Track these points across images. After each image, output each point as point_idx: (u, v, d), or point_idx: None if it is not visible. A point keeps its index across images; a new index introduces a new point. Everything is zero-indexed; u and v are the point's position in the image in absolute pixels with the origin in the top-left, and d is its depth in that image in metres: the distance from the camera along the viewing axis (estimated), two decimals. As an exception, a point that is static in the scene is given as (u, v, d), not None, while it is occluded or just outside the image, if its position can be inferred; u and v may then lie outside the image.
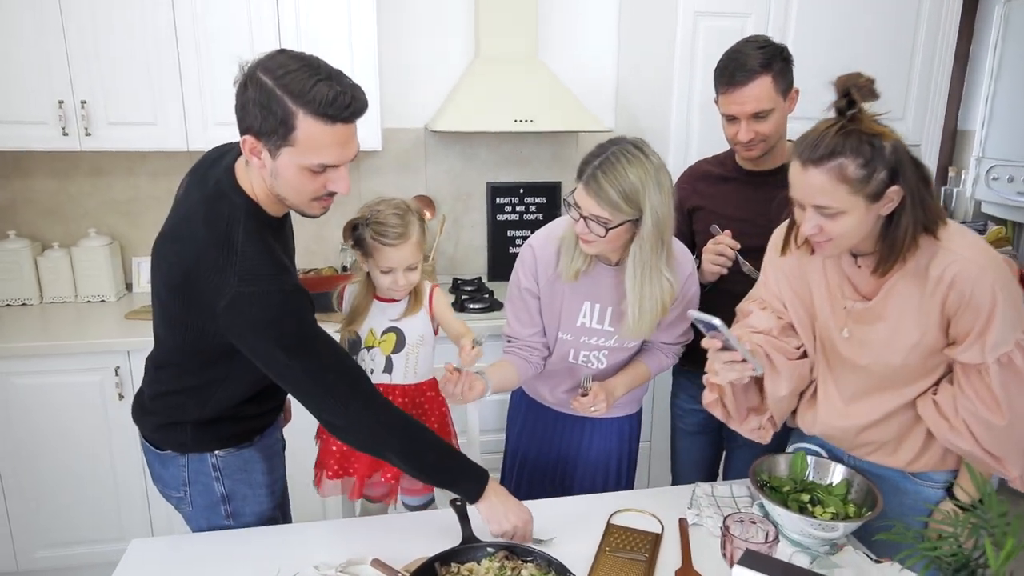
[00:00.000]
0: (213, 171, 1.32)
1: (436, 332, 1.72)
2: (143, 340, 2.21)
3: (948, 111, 3.10)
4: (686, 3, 2.32)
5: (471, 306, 2.56)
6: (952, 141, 3.39)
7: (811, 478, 1.49)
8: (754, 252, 1.73)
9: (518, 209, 2.99)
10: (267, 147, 1.17)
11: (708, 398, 1.51)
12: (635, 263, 1.50)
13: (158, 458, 1.44)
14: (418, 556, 1.30)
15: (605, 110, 2.94)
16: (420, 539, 1.37)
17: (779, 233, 1.48)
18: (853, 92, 1.18)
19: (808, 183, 1.21)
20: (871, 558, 1.34)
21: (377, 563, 1.23)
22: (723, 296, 1.80)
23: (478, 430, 1.95)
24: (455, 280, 2.88)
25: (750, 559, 0.99)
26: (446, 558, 1.28)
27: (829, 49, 2.41)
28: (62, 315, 2.47)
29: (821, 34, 2.41)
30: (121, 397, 2.27)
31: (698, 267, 1.79)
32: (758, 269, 1.73)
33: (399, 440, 1.32)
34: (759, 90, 1.63)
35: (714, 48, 2.35)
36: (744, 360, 1.32)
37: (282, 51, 1.18)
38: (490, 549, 1.31)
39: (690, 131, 2.44)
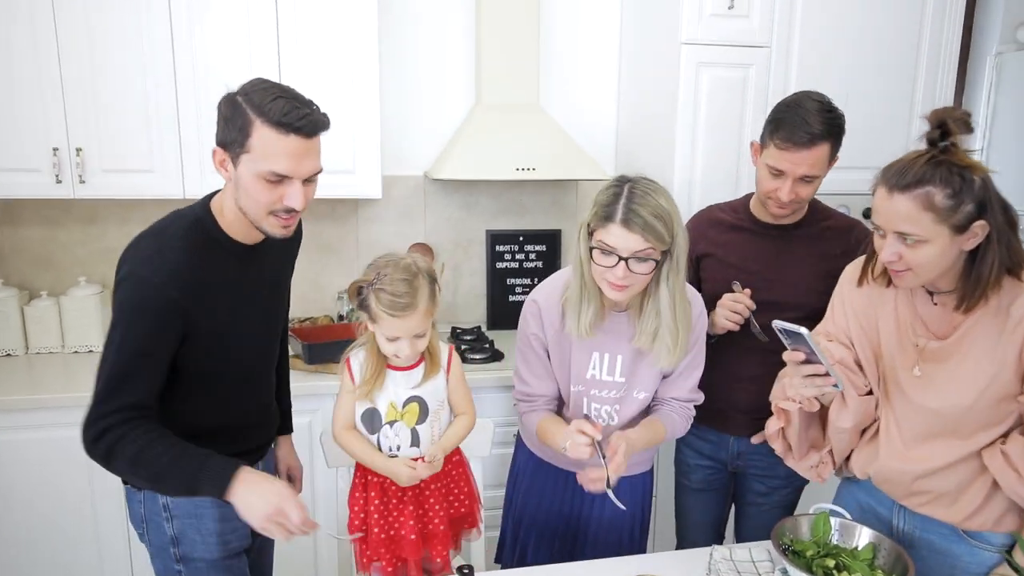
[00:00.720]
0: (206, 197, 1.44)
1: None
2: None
3: (945, 160, 3.13)
4: (688, 53, 2.33)
5: (472, 356, 2.49)
6: (948, 189, 3.42)
7: (835, 541, 1.43)
8: (762, 305, 1.70)
9: (518, 257, 2.95)
10: (230, 156, 1.27)
11: (771, 428, 1.49)
12: (669, 291, 1.47)
13: (125, 491, 1.47)
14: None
15: (605, 158, 2.94)
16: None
17: (854, 266, 1.47)
18: (949, 123, 1.19)
19: (893, 209, 1.20)
20: (904, 631, 1.26)
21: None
22: (729, 349, 1.76)
23: (481, 486, 1.87)
24: (454, 329, 2.82)
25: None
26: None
27: (832, 97, 2.42)
28: (48, 366, 2.38)
29: (822, 88, 2.42)
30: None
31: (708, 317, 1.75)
32: (764, 329, 1.70)
33: (128, 471, 1.31)
34: (816, 156, 1.60)
35: (717, 98, 2.38)
36: (827, 375, 1.29)
37: (261, 78, 1.30)
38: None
39: (693, 180, 2.42)
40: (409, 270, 1.44)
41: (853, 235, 1.76)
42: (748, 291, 1.70)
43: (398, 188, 2.80)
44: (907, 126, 2.52)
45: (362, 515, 1.56)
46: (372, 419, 1.53)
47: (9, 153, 2.20)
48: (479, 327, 2.86)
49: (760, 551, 1.54)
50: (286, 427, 1.75)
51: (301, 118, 1.23)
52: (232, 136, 1.25)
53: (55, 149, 2.21)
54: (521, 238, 2.93)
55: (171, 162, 2.29)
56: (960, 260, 1.24)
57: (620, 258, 1.39)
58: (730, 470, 1.91)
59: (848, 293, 1.47)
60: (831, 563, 1.36)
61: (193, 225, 1.34)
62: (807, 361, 1.30)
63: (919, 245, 1.20)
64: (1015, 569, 1.28)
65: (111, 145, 2.25)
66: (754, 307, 1.69)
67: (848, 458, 1.51)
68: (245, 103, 1.24)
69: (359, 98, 2.38)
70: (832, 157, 1.66)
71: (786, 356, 1.32)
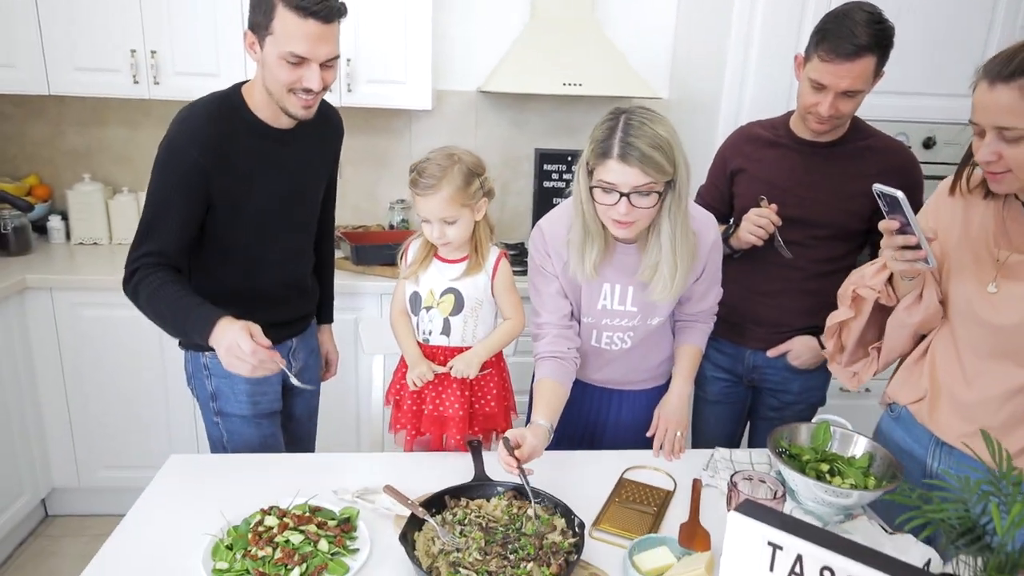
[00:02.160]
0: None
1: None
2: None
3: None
4: (747, -30, 2.25)
5: (513, 268, 2.57)
6: (1032, 127, 3.20)
7: (833, 449, 1.47)
8: (790, 222, 1.70)
9: (565, 176, 2.98)
10: (258, 39, 1.40)
11: (835, 319, 1.45)
12: (671, 223, 1.44)
13: (188, 358, 1.66)
14: (432, 490, 1.35)
15: (659, 78, 2.89)
16: (436, 475, 1.41)
17: (948, 179, 1.37)
18: None
19: (994, 101, 1.11)
20: (886, 530, 1.31)
21: (389, 489, 1.28)
22: (752, 262, 1.78)
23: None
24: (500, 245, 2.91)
25: (747, 507, 0.99)
26: (457, 492, 1.33)
27: (897, 15, 2.29)
28: (128, 255, 2.63)
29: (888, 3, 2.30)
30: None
31: (733, 232, 1.76)
32: (787, 245, 1.70)
33: (145, 308, 1.45)
34: (861, 69, 1.55)
35: (771, 21, 2.30)
36: (918, 247, 1.21)
37: None
38: (500, 488, 1.34)
39: (741, 104, 2.37)
40: (450, 158, 1.53)
41: (893, 158, 1.73)
42: (774, 206, 1.70)
43: (450, 102, 2.86)
44: (982, 48, 2.36)
45: (397, 386, 1.72)
46: (415, 302, 1.66)
47: (93, 54, 2.38)
48: (523, 243, 2.94)
49: (760, 455, 1.61)
50: (327, 316, 1.91)
51: (318, 3, 1.34)
52: (259, 19, 1.37)
53: (132, 51, 2.37)
54: (569, 158, 2.96)
55: (236, 66, 2.42)
56: None
57: (621, 194, 1.36)
58: (746, 384, 1.95)
59: (938, 201, 1.38)
60: (825, 467, 1.41)
61: (219, 100, 1.49)
62: (901, 232, 1.22)
63: (1021, 141, 1.10)
64: None
65: (183, 48, 2.40)
66: (779, 223, 1.69)
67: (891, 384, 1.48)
68: None
69: (413, 9, 2.42)
70: (877, 72, 1.60)
71: (881, 225, 1.24)
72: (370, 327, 1.91)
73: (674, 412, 1.63)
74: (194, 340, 1.40)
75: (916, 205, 1.73)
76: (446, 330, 1.65)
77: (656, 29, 2.88)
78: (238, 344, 1.31)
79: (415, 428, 1.67)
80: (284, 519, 1.22)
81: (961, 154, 1.86)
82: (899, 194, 1.16)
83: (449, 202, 1.53)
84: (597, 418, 1.80)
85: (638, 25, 2.86)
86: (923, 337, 1.41)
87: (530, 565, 1.13)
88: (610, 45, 2.62)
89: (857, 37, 1.53)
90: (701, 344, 1.70)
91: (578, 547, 1.18)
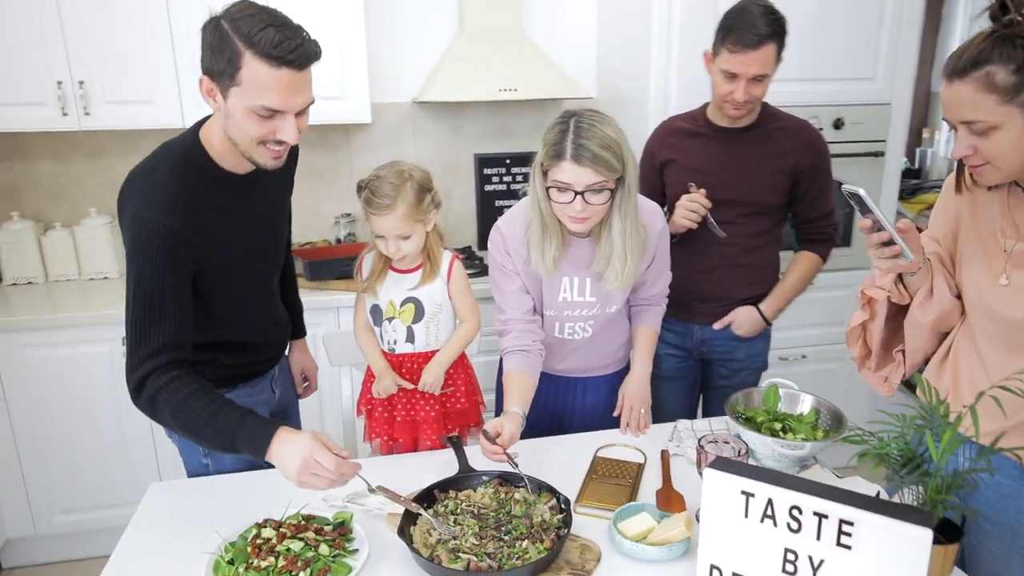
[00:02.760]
0: (195, 125, 1.42)
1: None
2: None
3: (920, 73, 3.20)
4: (662, -28, 2.40)
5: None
6: (926, 103, 3.50)
7: (783, 409, 1.60)
8: (719, 203, 1.85)
9: (505, 179, 3.08)
10: (219, 87, 1.23)
11: (854, 322, 1.43)
12: (621, 218, 1.53)
13: None
14: (418, 488, 1.40)
15: (587, 78, 3.02)
16: (421, 473, 1.46)
17: (952, 175, 1.35)
18: None
19: (954, 98, 1.11)
20: (837, 475, 1.45)
21: (381, 489, 1.33)
22: (690, 245, 1.91)
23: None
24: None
25: (720, 463, 1.09)
26: (444, 486, 1.39)
27: (803, 10, 2.49)
28: (67, 292, 2.56)
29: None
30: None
31: (668, 219, 1.88)
32: (721, 225, 1.84)
33: (169, 420, 1.31)
34: (765, 56, 1.72)
35: (688, 17, 2.45)
36: (892, 243, 1.20)
37: (246, 1, 1.24)
38: (485, 478, 1.41)
39: (668, 96, 2.52)
40: (401, 175, 1.59)
41: (802, 135, 1.90)
42: (703, 191, 1.84)
43: (387, 115, 2.90)
44: (876, 34, 2.59)
45: (368, 396, 1.76)
46: (376, 314, 1.70)
47: (17, 88, 2.32)
48: (470, 247, 3.01)
49: (719, 423, 1.73)
50: (300, 331, 1.86)
51: (293, 50, 1.18)
52: (220, 67, 1.20)
53: (59, 83, 2.32)
54: (508, 160, 3.05)
55: (170, 92, 2.40)
56: None
57: (575, 193, 1.44)
58: (696, 357, 2.09)
59: (946, 200, 1.36)
60: (778, 426, 1.54)
61: (183, 158, 1.33)
62: (877, 229, 1.22)
63: (991, 133, 1.10)
64: None
65: (113, 76, 2.37)
66: (710, 205, 1.83)
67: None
68: (233, 32, 1.18)
69: (346, 24, 2.47)
70: (778, 58, 1.76)
71: (859, 225, 1.25)
72: (333, 340, 1.94)
73: (637, 391, 1.73)
74: (239, 453, 1.28)
75: (823, 173, 1.92)
76: (410, 338, 1.71)
77: (579, 32, 3.00)
78: (317, 461, 1.21)
79: (388, 435, 1.72)
80: (281, 529, 1.25)
81: (870, 132, 2.02)
82: (860, 191, 1.17)
83: (404, 219, 1.59)
84: (564, 406, 1.88)
85: (562, 30, 2.98)
86: (947, 337, 1.38)
87: (525, 543, 1.20)
88: (538, 50, 2.72)
89: (758, 28, 1.70)
90: (656, 325, 1.81)
91: (567, 522, 1.26)
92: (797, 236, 2.04)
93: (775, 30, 1.71)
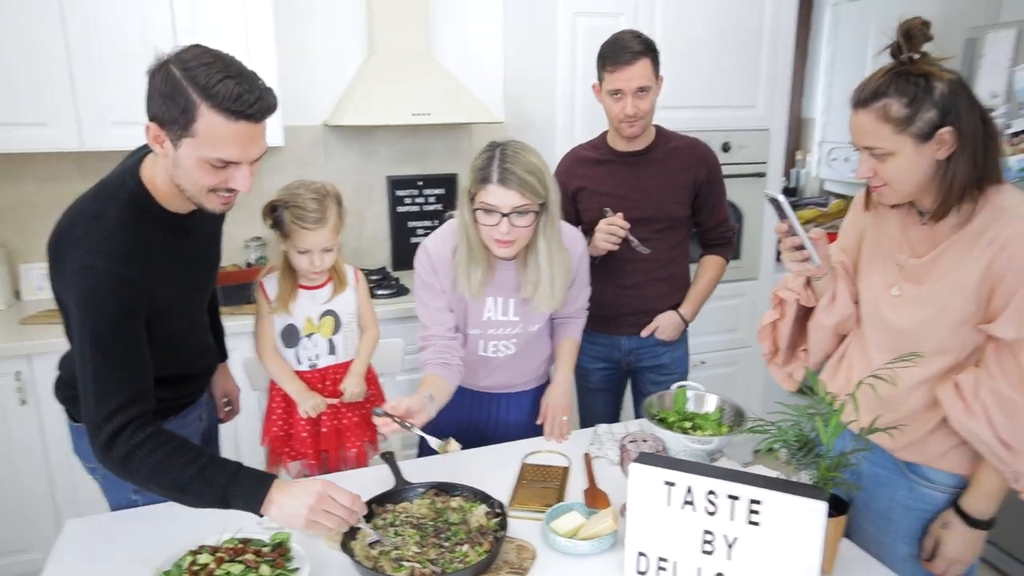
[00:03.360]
0: (126, 162, 1.37)
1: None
2: (44, 343, 2.18)
3: (793, 101, 3.54)
4: (565, 4, 2.55)
5: (379, 292, 2.68)
6: (798, 127, 3.86)
7: (691, 408, 1.75)
8: (634, 223, 1.98)
9: (417, 201, 3.13)
10: (169, 136, 1.19)
11: (765, 320, 1.56)
12: (546, 242, 1.62)
13: (75, 430, 1.49)
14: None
15: (495, 103, 3.14)
16: (357, 489, 1.47)
17: (863, 193, 1.46)
18: (913, 32, 1.18)
19: (858, 125, 1.24)
20: (741, 466, 1.59)
21: (320, 506, 1.34)
22: (613, 263, 2.04)
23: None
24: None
25: (644, 458, 1.19)
26: (382, 499, 1.42)
27: (690, 45, 2.72)
28: (-52, 325, 2.38)
29: (682, 32, 2.71)
30: (23, 403, 2.23)
31: (589, 243, 2.00)
32: (642, 242, 1.98)
33: (146, 480, 1.26)
34: (642, 69, 1.90)
35: (592, 44, 2.60)
36: (803, 248, 1.32)
37: (198, 46, 1.20)
38: (420, 489, 1.45)
39: (574, 120, 2.67)
40: (320, 191, 1.69)
41: (695, 150, 2.08)
42: (620, 213, 1.97)
43: (299, 138, 2.89)
44: (755, 67, 2.86)
45: (280, 422, 1.79)
46: (291, 334, 1.72)
47: None
48: (384, 268, 3.04)
49: (633, 425, 1.85)
50: (223, 354, 1.84)
51: (252, 104, 1.16)
52: (172, 116, 1.16)
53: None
54: (420, 183, 3.11)
55: (66, 115, 2.30)
56: (940, 172, 1.22)
57: (502, 215, 1.51)
58: (624, 368, 2.21)
59: (855, 215, 1.48)
60: (688, 424, 1.68)
61: (129, 204, 1.29)
62: (791, 234, 1.33)
63: (887, 158, 1.21)
64: (962, 515, 1.29)
65: (3, 97, 2.24)
66: (628, 226, 1.96)
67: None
68: (187, 81, 1.14)
69: (256, 46, 2.46)
70: (656, 73, 1.95)
71: (775, 228, 1.38)
72: (252, 365, 1.92)
73: (558, 399, 1.82)
74: (231, 508, 1.25)
75: (718, 183, 2.11)
76: (332, 350, 1.77)
77: (486, 58, 3.12)
78: (332, 498, 1.24)
79: (314, 449, 1.74)
80: (218, 554, 1.25)
81: (753, 155, 2.20)
82: (780, 197, 1.29)
83: (331, 232, 1.69)
84: (488, 420, 1.94)
85: (469, 55, 3.08)
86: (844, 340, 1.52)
87: (465, 547, 1.26)
88: (449, 75, 2.80)
89: (629, 47, 1.90)
90: (578, 337, 1.91)
91: (503, 525, 1.33)
92: (701, 242, 2.21)
93: (647, 47, 1.91)
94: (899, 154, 1.20)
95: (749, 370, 3.15)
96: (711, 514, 1.13)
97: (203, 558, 1.24)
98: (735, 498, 1.11)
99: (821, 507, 1.05)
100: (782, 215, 1.32)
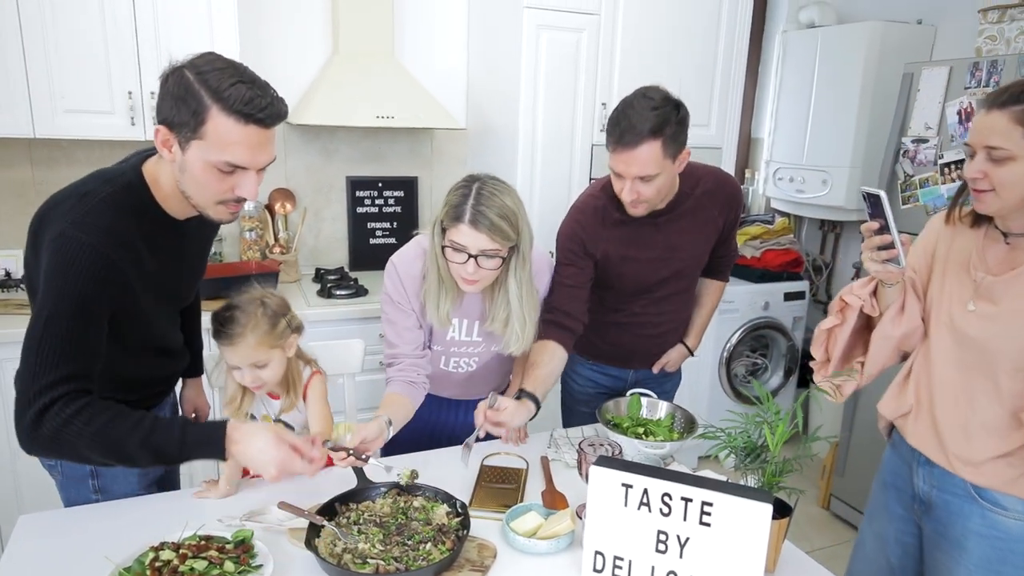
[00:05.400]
0: (130, 158, 1.35)
1: None
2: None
3: (743, 121, 3.70)
4: (529, 16, 2.61)
5: (338, 292, 2.68)
6: (747, 147, 4.02)
7: (644, 415, 1.82)
8: (662, 282, 1.89)
9: (377, 202, 3.14)
10: (178, 139, 1.19)
11: (824, 325, 1.49)
12: (517, 283, 1.62)
13: None
14: (318, 503, 1.44)
15: (457, 109, 3.18)
16: (318, 490, 1.50)
17: (941, 213, 1.47)
18: None
19: (986, 124, 1.23)
20: (691, 471, 1.67)
21: (284, 505, 1.36)
22: (634, 317, 1.96)
23: (356, 408, 2.08)
24: (318, 270, 2.98)
25: (602, 461, 1.25)
26: (344, 499, 1.44)
27: (650, 63, 2.82)
28: None
29: (641, 51, 2.81)
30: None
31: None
32: (669, 298, 1.90)
33: (87, 450, 1.20)
34: (647, 155, 1.60)
35: (554, 57, 2.68)
36: (892, 246, 1.28)
37: (211, 53, 1.21)
38: (383, 488, 1.48)
39: (536, 130, 2.73)
40: (253, 303, 1.53)
41: (725, 190, 1.88)
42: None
43: (258, 134, 2.86)
44: (709, 88, 2.98)
45: None
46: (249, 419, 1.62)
47: None
48: (342, 267, 3.03)
49: (589, 430, 1.92)
50: (197, 369, 1.79)
51: (263, 108, 1.16)
52: (183, 118, 1.16)
53: None
54: (380, 184, 3.12)
55: (19, 100, 2.23)
56: None
57: (469, 255, 1.51)
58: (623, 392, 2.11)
59: (929, 234, 1.47)
60: (641, 430, 1.76)
61: (125, 190, 1.27)
62: (880, 232, 1.30)
63: (1006, 162, 1.21)
64: None
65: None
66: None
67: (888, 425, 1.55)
68: (200, 84, 1.14)
69: (219, 41, 2.43)
70: (667, 153, 1.62)
71: (864, 226, 1.31)
72: (211, 362, 1.90)
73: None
74: (191, 460, 1.22)
75: (735, 219, 1.94)
76: None
77: (449, 63, 3.16)
78: (299, 447, 1.24)
79: None
80: (181, 551, 1.25)
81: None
82: (881, 193, 1.23)
83: (257, 348, 1.51)
84: (444, 423, 1.97)
85: (433, 61, 3.12)
86: (908, 357, 1.49)
87: (428, 545, 1.29)
88: (412, 79, 2.83)
89: (635, 127, 1.58)
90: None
91: (464, 524, 1.37)
92: (705, 268, 2.02)
93: (654, 127, 1.58)
94: (1020, 160, 1.21)
95: (693, 381, 3.27)
96: (665, 515, 1.19)
97: (165, 554, 1.24)
98: (688, 500, 1.17)
99: (767, 509, 1.13)
100: (875, 212, 1.28)
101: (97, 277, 1.19)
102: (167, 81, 1.18)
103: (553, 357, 1.75)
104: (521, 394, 1.66)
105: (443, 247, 1.57)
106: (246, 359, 1.52)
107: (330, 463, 1.65)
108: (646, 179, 1.64)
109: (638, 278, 1.90)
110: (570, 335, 1.81)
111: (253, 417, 1.64)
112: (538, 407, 1.66)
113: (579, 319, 1.82)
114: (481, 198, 1.51)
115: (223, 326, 1.51)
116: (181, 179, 1.24)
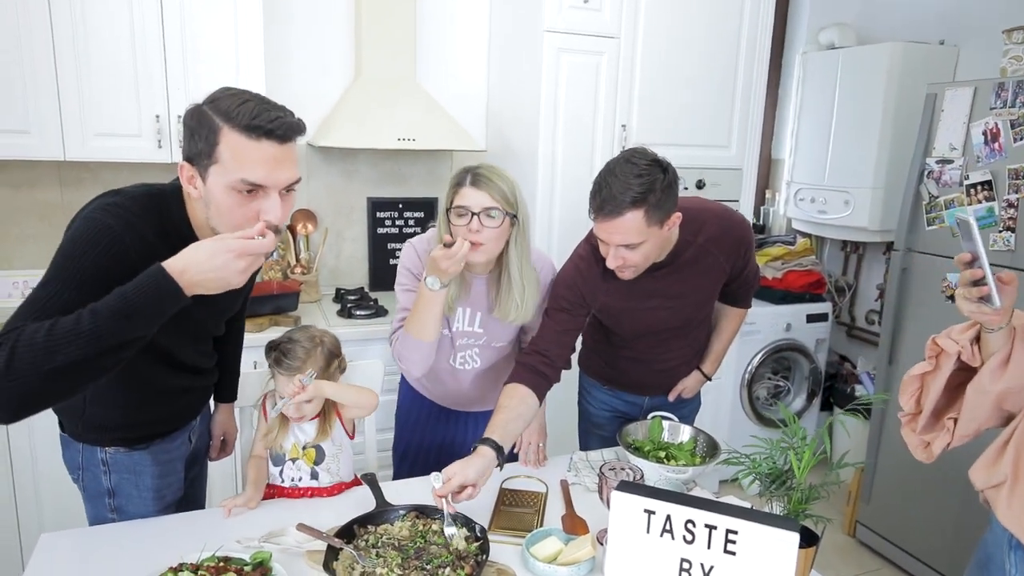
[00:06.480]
0: (176, 181, 1.31)
1: (352, 435, 1.73)
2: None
3: (764, 142, 3.68)
4: (550, 40, 2.63)
5: (358, 312, 2.69)
6: (768, 167, 4.00)
7: (666, 439, 1.80)
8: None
9: (397, 223, 3.16)
10: (198, 170, 1.18)
11: (918, 370, 1.34)
12: (517, 254, 1.71)
13: (62, 437, 1.49)
14: (336, 525, 1.43)
15: (477, 131, 3.20)
16: (337, 512, 1.50)
17: None
18: None
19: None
20: (714, 496, 1.65)
21: (302, 527, 1.35)
22: (652, 350, 1.94)
23: (375, 429, 2.07)
24: (338, 290, 2.99)
25: (624, 486, 1.23)
26: (363, 521, 1.43)
27: (670, 86, 2.83)
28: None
29: (662, 73, 2.82)
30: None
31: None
32: (675, 341, 1.88)
33: (45, 364, 1.03)
34: (628, 225, 1.54)
35: (574, 80, 2.70)
36: (983, 282, 1.13)
37: (227, 87, 1.21)
38: (401, 511, 1.47)
39: (556, 152, 2.74)
40: (313, 340, 1.63)
41: (731, 234, 1.79)
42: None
43: (281, 156, 2.90)
44: (729, 110, 2.98)
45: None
46: (277, 455, 1.66)
47: None
48: (362, 288, 3.05)
49: (609, 453, 1.89)
50: (231, 395, 1.79)
51: (272, 120, 1.14)
52: (199, 147, 1.15)
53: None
54: (400, 205, 3.14)
55: (50, 124, 2.28)
56: None
57: (473, 214, 1.60)
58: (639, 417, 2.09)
59: None
60: (662, 454, 1.73)
61: (159, 197, 1.27)
62: (972, 265, 1.16)
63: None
64: None
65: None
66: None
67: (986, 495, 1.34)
68: (212, 111, 1.15)
69: (245, 69, 2.48)
70: (652, 221, 1.54)
71: (956, 259, 1.18)
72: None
73: (533, 428, 1.85)
74: (154, 318, 1.08)
75: (751, 254, 1.83)
76: (314, 476, 1.66)
77: (470, 89, 3.19)
78: (244, 242, 1.09)
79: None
80: (200, 572, 1.24)
81: (726, 193, 2.12)
82: (971, 219, 1.11)
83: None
84: (453, 441, 1.98)
85: (453, 84, 3.15)
86: (1009, 422, 1.29)
87: (447, 570, 1.28)
88: (433, 102, 2.86)
89: (615, 196, 1.52)
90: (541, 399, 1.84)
91: (484, 548, 1.35)
92: (722, 296, 1.95)
93: (637, 196, 1.50)
94: None
95: (716, 402, 3.23)
96: (689, 543, 1.17)
97: (184, 575, 1.24)
98: (712, 528, 1.15)
99: (794, 538, 1.11)
100: (965, 238, 1.15)
101: (109, 253, 1.15)
102: (188, 119, 1.19)
103: (522, 403, 1.65)
104: (476, 443, 1.55)
105: (449, 220, 1.65)
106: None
107: (356, 483, 1.66)
108: (631, 247, 1.59)
109: (642, 326, 1.87)
110: (546, 384, 1.72)
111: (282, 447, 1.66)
112: (500, 453, 1.53)
113: (559, 366, 1.76)
114: (480, 168, 1.66)
115: (285, 356, 1.59)
116: (209, 214, 1.22)
